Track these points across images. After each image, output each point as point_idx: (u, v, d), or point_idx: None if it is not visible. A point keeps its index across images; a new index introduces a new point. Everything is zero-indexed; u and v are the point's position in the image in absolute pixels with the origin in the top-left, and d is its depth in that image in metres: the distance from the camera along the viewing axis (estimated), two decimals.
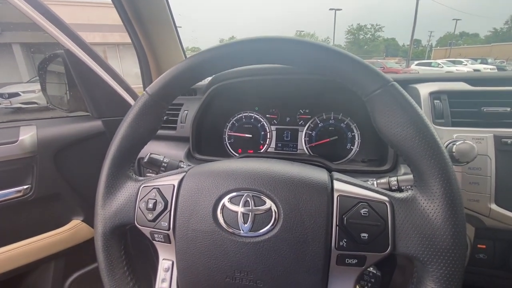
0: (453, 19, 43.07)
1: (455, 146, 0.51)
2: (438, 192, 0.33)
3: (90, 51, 0.87)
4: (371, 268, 0.49)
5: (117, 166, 0.43)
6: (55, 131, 0.85)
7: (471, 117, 0.57)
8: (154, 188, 0.42)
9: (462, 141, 0.51)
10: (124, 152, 0.43)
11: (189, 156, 0.79)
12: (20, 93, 7.65)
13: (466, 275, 0.59)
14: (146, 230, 0.41)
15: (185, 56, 1.08)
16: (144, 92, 0.43)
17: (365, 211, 0.35)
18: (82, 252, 0.90)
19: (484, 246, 0.59)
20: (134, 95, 1.00)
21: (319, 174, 0.39)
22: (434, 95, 0.60)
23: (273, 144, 0.88)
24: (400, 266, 0.66)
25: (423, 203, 0.34)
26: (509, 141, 0.51)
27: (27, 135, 0.78)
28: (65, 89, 0.97)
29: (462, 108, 0.58)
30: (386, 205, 0.35)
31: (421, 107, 0.60)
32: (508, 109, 0.55)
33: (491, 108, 0.56)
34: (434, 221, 0.32)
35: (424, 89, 0.62)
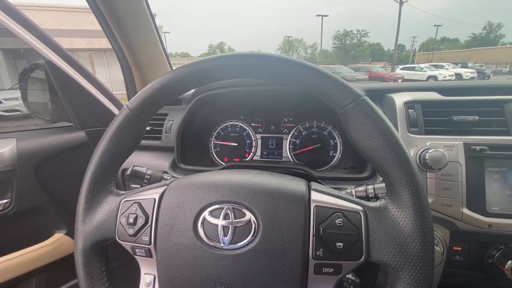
0: (434, 25, 44.67)
1: (428, 153, 0.54)
2: (407, 201, 0.34)
3: (71, 61, 0.86)
4: (350, 275, 0.50)
5: (97, 181, 0.43)
6: (36, 143, 0.83)
7: (443, 126, 0.60)
8: (135, 202, 0.42)
9: (434, 149, 0.54)
10: (105, 167, 0.43)
11: (174, 166, 0.79)
12: (1, 100, 7.40)
13: (443, 276, 0.62)
14: (127, 245, 0.41)
15: (170, 66, 1.08)
16: (124, 106, 0.43)
17: (340, 221, 0.36)
18: (65, 266, 0.87)
19: (459, 248, 0.61)
20: (118, 104, 0.99)
21: (297, 185, 0.41)
22: (409, 104, 0.63)
23: (258, 152, 0.89)
24: (384, 270, 0.68)
25: (394, 212, 0.35)
26: (477, 148, 0.54)
27: (6, 148, 0.76)
28: (47, 99, 0.95)
29: (434, 117, 0.61)
30: (360, 214, 0.37)
31: (396, 116, 0.63)
32: (477, 117, 0.58)
33: (461, 116, 0.59)
34: (405, 229, 0.34)
35: (399, 99, 0.65)
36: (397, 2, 22.80)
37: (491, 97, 0.60)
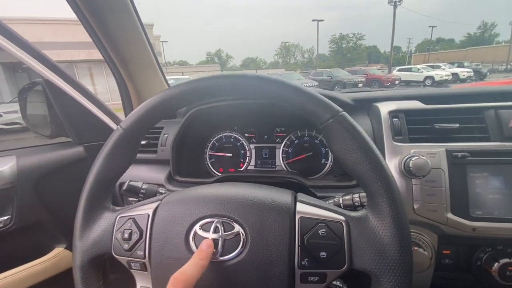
0: (429, 26, 45.13)
1: (411, 161, 0.56)
2: (385, 211, 0.36)
3: (68, 79, 0.88)
4: (338, 282, 0.52)
5: (94, 198, 0.45)
6: (35, 159, 0.85)
7: (426, 133, 0.62)
8: (129, 218, 0.44)
9: (417, 157, 0.56)
10: (101, 185, 0.45)
11: (170, 179, 0.81)
12: (1, 114, 7.45)
13: (433, 279, 0.63)
14: (123, 260, 0.43)
15: (165, 79, 1.11)
16: (118, 126, 0.46)
17: (323, 231, 0.38)
18: (66, 280, 0.89)
19: (448, 252, 0.63)
20: (115, 119, 1.02)
21: (283, 197, 0.43)
22: (393, 113, 0.66)
23: (252, 162, 0.92)
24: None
25: (374, 221, 0.37)
26: (459, 154, 0.56)
27: (6, 166, 0.78)
28: (46, 116, 0.98)
29: (417, 125, 0.63)
30: (342, 224, 0.39)
31: (382, 125, 0.65)
32: (457, 125, 0.60)
33: (443, 124, 0.61)
34: (384, 238, 0.36)
35: (384, 108, 0.67)
36: (391, 4, 23.09)
37: (471, 105, 0.63)
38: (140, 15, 0.92)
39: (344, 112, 0.40)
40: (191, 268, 0.35)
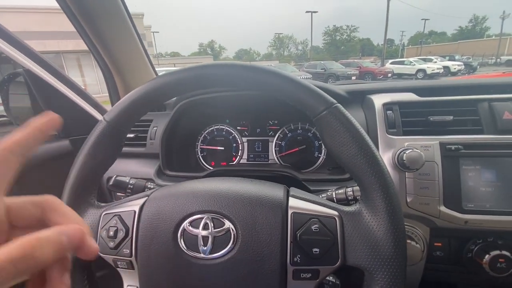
0: (422, 19, 45.25)
1: (405, 154, 0.55)
2: (380, 206, 0.36)
3: (51, 69, 0.84)
4: (331, 277, 0.51)
5: (77, 194, 0.43)
6: None
7: (420, 126, 0.61)
8: (115, 215, 0.42)
9: (411, 150, 0.55)
10: (84, 181, 0.43)
11: (159, 173, 0.79)
12: None
13: (425, 271, 0.63)
14: (108, 258, 0.41)
15: (153, 68, 1.07)
16: (101, 119, 0.43)
17: (315, 227, 0.37)
18: None
19: (440, 244, 0.63)
20: (102, 111, 0.98)
21: (276, 192, 0.41)
22: (387, 106, 0.65)
23: (245, 155, 0.90)
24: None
25: (368, 216, 0.36)
26: (452, 147, 0.56)
27: None
28: (29, 108, 0.94)
29: (411, 117, 0.63)
30: (335, 219, 0.38)
31: (376, 117, 0.64)
32: (451, 117, 0.60)
33: (437, 117, 0.60)
34: (378, 233, 0.35)
35: (378, 100, 0.66)
36: None
37: (464, 97, 0.62)
38: (128, 5, 0.88)
39: (338, 104, 0.38)
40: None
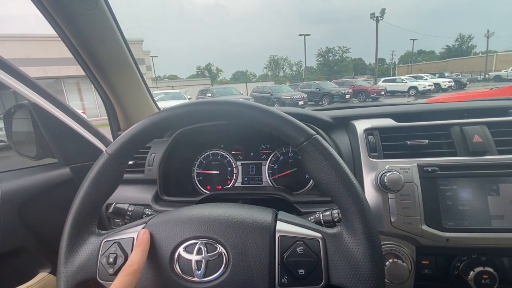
0: (411, 39, 47.14)
1: (386, 176, 0.59)
2: (358, 228, 0.39)
3: (55, 101, 0.89)
4: None
5: (79, 223, 0.45)
6: (20, 182, 0.85)
7: (399, 150, 0.66)
8: (115, 242, 0.44)
9: (391, 172, 0.59)
10: (86, 210, 0.46)
11: (157, 198, 0.82)
12: None
13: None
14: (107, 284, 0.43)
15: (155, 103, 1.13)
16: (104, 152, 0.47)
17: (301, 249, 0.40)
18: None
19: (427, 262, 0.65)
20: (103, 139, 1.02)
21: (264, 217, 0.45)
22: (368, 131, 0.70)
23: (239, 179, 0.93)
24: None
25: (348, 237, 0.40)
26: (429, 169, 0.60)
27: None
28: (32, 138, 0.98)
29: (391, 142, 0.67)
30: (319, 241, 0.41)
31: (358, 142, 0.69)
32: (427, 141, 0.65)
33: (414, 141, 0.65)
34: (357, 253, 0.38)
35: (360, 126, 0.71)
36: (373, 20, 24.12)
37: (438, 122, 0.68)
38: (129, 34, 0.95)
39: (317, 135, 0.43)
40: (134, 256, 0.40)
